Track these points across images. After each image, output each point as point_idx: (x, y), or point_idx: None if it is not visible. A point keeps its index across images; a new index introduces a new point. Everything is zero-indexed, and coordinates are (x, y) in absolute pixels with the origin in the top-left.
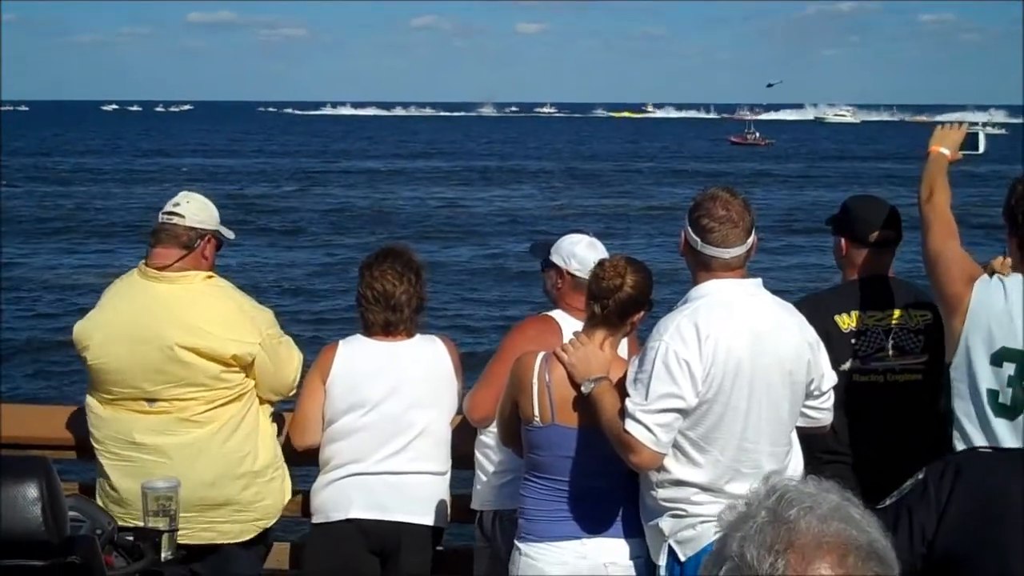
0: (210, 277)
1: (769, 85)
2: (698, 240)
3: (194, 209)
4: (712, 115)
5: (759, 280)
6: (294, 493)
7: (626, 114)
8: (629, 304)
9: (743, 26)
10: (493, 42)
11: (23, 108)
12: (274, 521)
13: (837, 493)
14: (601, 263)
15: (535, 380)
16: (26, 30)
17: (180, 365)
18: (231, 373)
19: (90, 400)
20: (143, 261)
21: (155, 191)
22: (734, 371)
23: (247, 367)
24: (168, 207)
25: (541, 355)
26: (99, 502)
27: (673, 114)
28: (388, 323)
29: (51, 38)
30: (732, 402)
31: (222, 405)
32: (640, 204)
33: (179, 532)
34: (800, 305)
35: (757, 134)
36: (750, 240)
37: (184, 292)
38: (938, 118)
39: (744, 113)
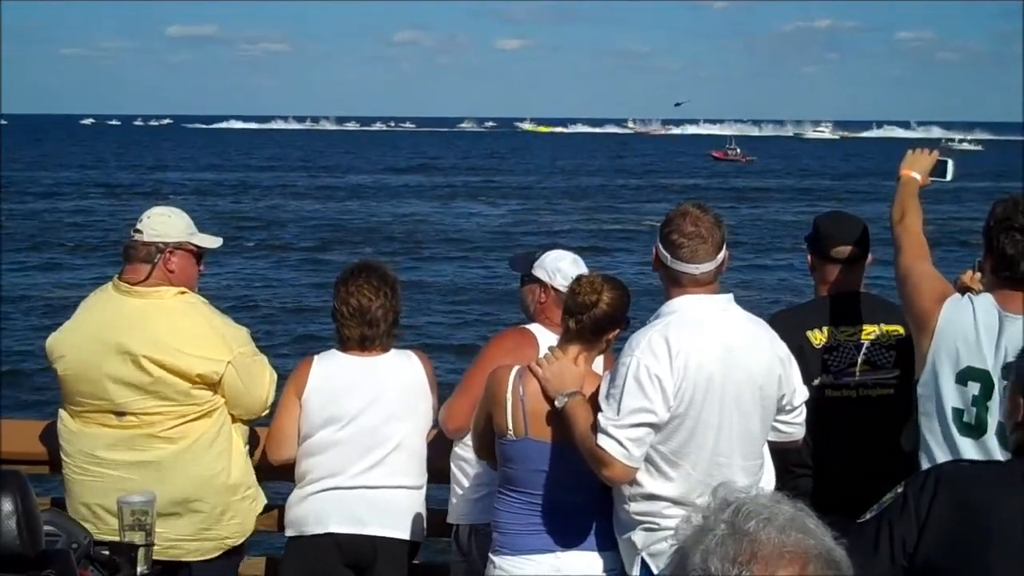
0: (183, 293)
1: (677, 104)
2: (668, 256)
3: (153, 224)
4: (626, 129)
5: (731, 295)
6: (269, 508)
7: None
8: (604, 321)
9: (725, 41)
10: (475, 57)
11: (2, 122)
12: (242, 541)
13: (789, 504)
14: (578, 279)
15: (509, 394)
16: (7, 41)
17: (148, 379)
18: (199, 390)
19: (62, 413)
20: (117, 276)
21: (135, 205)
22: (705, 386)
23: (214, 385)
24: (135, 224)
25: (516, 369)
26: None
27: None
28: (364, 338)
29: (33, 47)
30: (703, 417)
31: (192, 421)
32: (624, 220)
33: None
34: (772, 321)
35: (738, 150)
36: (720, 256)
37: (153, 307)
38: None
39: (656, 127)
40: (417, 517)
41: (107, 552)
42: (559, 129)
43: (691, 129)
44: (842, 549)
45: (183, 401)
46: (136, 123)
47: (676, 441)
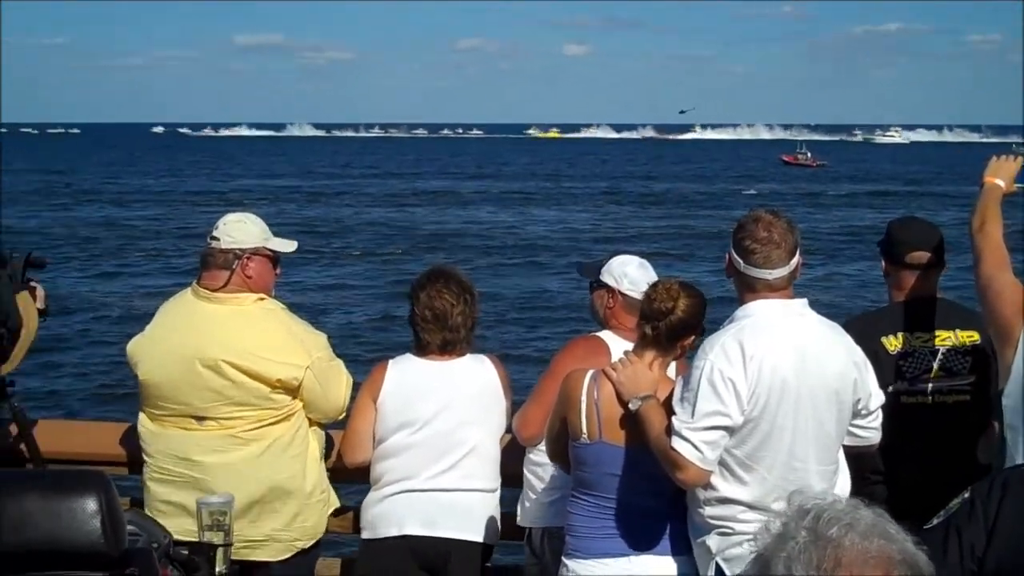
0: (261, 299)
1: (682, 112)
2: (741, 261)
3: (229, 231)
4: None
5: (805, 300)
6: (344, 510)
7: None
8: (680, 327)
9: (791, 46)
10: (538, 64)
11: (75, 131)
12: (312, 543)
13: (869, 510)
14: (655, 285)
15: (584, 397)
16: (76, 53)
17: (229, 384)
18: (279, 394)
19: (141, 416)
20: (196, 282)
21: (210, 212)
22: (779, 390)
23: (293, 390)
24: (212, 231)
25: (590, 372)
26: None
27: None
28: (445, 343)
29: (101, 60)
30: (778, 421)
31: (270, 424)
32: (695, 225)
33: None
34: (847, 327)
35: (808, 154)
36: (794, 261)
37: (233, 313)
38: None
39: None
40: (491, 520)
41: (186, 552)
42: (571, 135)
43: (709, 134)
44: (924, 554)
45: (262, 405)
46: (206, 131)
47: (751, 445)
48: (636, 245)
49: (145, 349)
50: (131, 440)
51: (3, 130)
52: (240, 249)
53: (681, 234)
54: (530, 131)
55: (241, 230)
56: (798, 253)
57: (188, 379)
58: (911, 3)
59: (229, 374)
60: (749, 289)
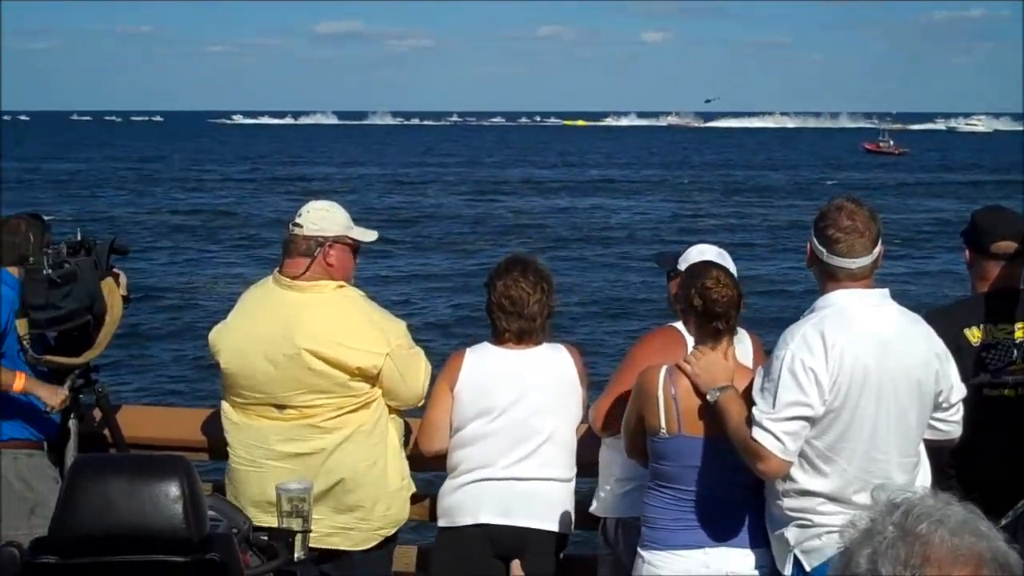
0: (341, 287)
1: (707, 101)
2: (824, 251)
3: (313, 218)
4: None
5: (886, 290)
6: (421, 497)
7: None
8: (735, 307)
9: (870, 31)
10: (618, 50)
11: (157, 119)
12: (395, 530)
13: (960, 506)
14: (704, 283)
15: (661, 392)
16: (161, 41)
17: (309, 372)
18: (358, 382)
19: (223, 404)
20: (277, 269)
21: (292, 200)
22: (861, 380)
23: (373, 378)
24: (294, 219)
25: (665, 367)
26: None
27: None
28: (522, 331)
29: (185, 46)
30: (859, 411)
31: (350, 412)
32: (778, 215)
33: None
34: (929, 318)
35: (891, 142)
36: (876, 250)
37: (313, 301)
38: None
39: (688, 119)
40: (566, 509)
41: (266, 538)
42: (601, 123)
43: (730, 122)
44: (1015, 553)
45: (342, 393)
46: (286, 119)
47: (831, 436)
48: (718, 235)
49: (226, 337)
50: (212, 426)
51: (25, 117)
52: (323, 237)
53: (765, 224)
54: (563, 120)
55: (324, 218)
56: (880, 242)
57: (268, 367)
58: None
59: (309, 362)
60: (831, 278)
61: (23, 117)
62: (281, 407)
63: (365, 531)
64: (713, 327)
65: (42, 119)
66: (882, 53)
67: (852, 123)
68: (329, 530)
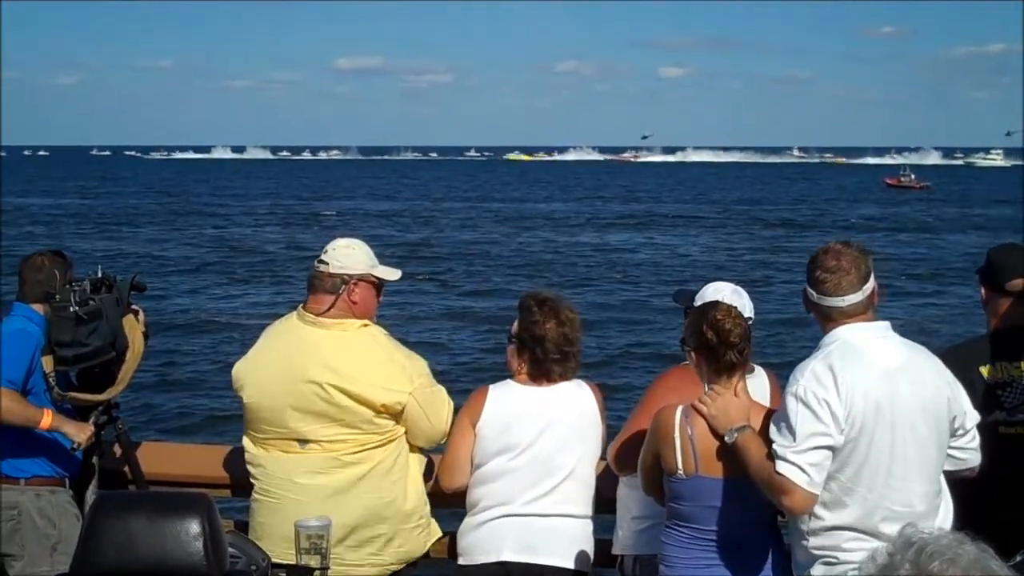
0: (365, 326)
1: (644, 137)
2: (814, 292)
3: (338, 256)
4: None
5: (887, 323)
6: (441, 534)
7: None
8: (743, 342)
9: (889, 66)
10: (636, 85)
11: (177, 154)
12: (404, 566)
13: (973, 545)
14: (715, 315)
15: (677, 434)
16: (183, 76)
17: (334, 408)
18: (383, 419)
19: (245, 439)
20: (302, 305)
21: (315, 235)
22: (874, 412)
23: (397, 415)
24: (320, 255)
25: (680, 408)
26: (252, 538)
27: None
28: (546, 369)
29: (207, 82)
30: (876, 441)
31: (372, 448)
32: (807, 247)
33: None
34: (944, 356)
35: (913, 176)
36: (867, 286)
37: (338, 339)
38: None
39: (629, 154)
40: (586, 546)
41: (284, 574)
42: (544, 157)
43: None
44: None
45: (366, 429)
46: (304, 155)
47: (851, 468)
48: (742, 271)
49: (250, 373)
50: (232, 463)
51: (44, 152)
52: (347, 275)
53: (787, 261)
54: (508, 155)
55: (349, 256)
56: (872, 278)
57: (293, 403)
58: (1016, 25)
59: (335, 398)
60: (827, 319)
61: (42, 152)
62: (304, 441)
63: (376, 567)
64: (727, 360)
65: (62, 154)
66: (901, 88)
67: (875, 159)
68: (348, 565)
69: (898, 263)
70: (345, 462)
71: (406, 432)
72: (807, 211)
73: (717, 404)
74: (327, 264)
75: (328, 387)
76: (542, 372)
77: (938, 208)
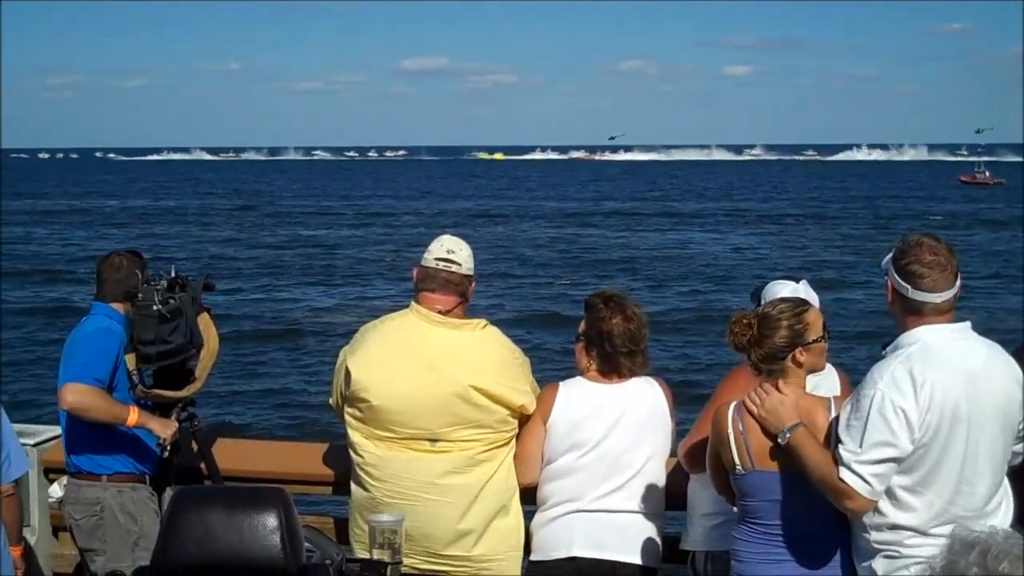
0: (487, 326)
1: (612, 138)
2: (907, 287)
3: (466, 256)
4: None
5: (967, 323)
6: None
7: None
8: (776, 351)
9: (959, 64)
10: (699, 84)
11: (246, 155)
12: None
13: None
14: (734, 323)
15: (730, 430)
16: (250, 79)
17: (473, 408)
18: (513, 417)
19: (360, 440)
20: (417, 304)
21: (396, 233)
22: (951, 416)
23: (526, 416)
24: (439, 253)
25: (734, 404)
26: (352, 536)
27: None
28: (615, 365)
29: (273, 84)
30: (949, 447)
31: (501, 446)
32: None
33: (437, 565)
34: (1016, 353)
35: (987, 173)
36: (958, 283)
37: (470, 339)
38: None
39: (591, 153)
40: (655, 543)
41: (358, 567)
42: (514, 157)
43: (630, 156)
44: None
45: (498, 428)
46: (370, 155)
47: (921, 472)
48: (823, 271)
49: (376, 373)
50: (306, 458)
51: (114, 155)
52: (472, 275)
53: (866, 260)
54: (479, 154)
55: (470, 256)
56: (959, 276)
57: (430, 403)
58: None
59: (475, 399)
60: (915, 314)
61: (112, 155)
62: (435, 440)
63: (511, 559)
64: (770, 364)
65: (132, 156)
66: (970, 84)
67: (951, 156)
68: (487, 561)
69: (976, 259)
70: (478, 460)
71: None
72: (886, 208)
73: (766, 405)
74: (460, 264)
75: (472, 389)
76: (611, 367)
77: (1013, 205)
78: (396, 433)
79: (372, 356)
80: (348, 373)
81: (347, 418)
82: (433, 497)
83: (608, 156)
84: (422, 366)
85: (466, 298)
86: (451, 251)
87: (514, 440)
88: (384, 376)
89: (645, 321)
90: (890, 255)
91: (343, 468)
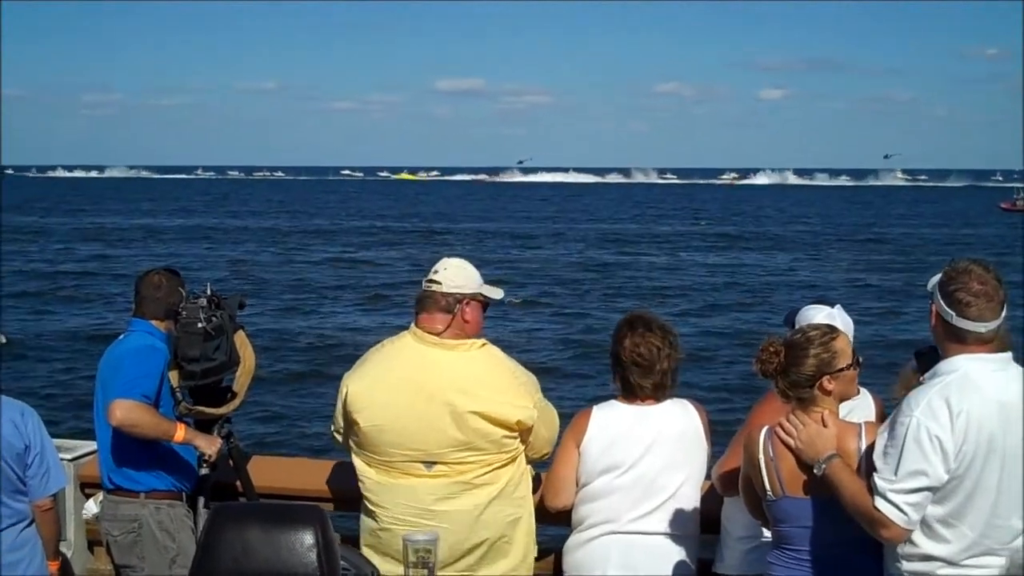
0: (485, 345)
1: (520, 162)
2: (952, 313)
3: (450, 275)
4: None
5: (1009, 354)
6: (546, 552)
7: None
8: (803, 379)
9: (994, 88)
10: (734, 108)
11: (279, 174)
12: None
13: None
14: (765, 348)
15: (761, 455)
16: (286, 97)
17: (468, 430)
18: (509, 438)
19: (358, 463)
20: (414, 326)
21: (420, 254)
22: (986, 447)
23: (526, 432)
24: (429, 274)
25: (765, 429)
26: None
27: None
28: (650, 387)
29: (309, 103)
30: (983, 479)
31: (499, 468)
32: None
33: None
34: None
35: None
36: (1004, 313)
37: (464, 360)
38: None
39: (508, 174)
40: (689, 566)
41: None
42: (423, 176)
43: (541, 177)
44: None
45: (494, 450)
46: (402, 174)
47: (954, 503)
48: (867, 298)
49: (370, 395)
50: (339, 477)
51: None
52: (460, 294)
53: (906, 287)
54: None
55: (461, 275)
56: (1006, 307)
57: (422, 425)
58: None
59: (470, 420)
60: (958, 341)
61: (145, 173)
62: (430, 464)
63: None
64: (799, 392)
65: (171, 174)
66: (1004, 108)
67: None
68: None
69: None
70: (475, 484)
71: (526, 448)
72: (924, 233)
73: (803, 436)
74: (440, 284)
75: (463, 411)
76: (628, 390)
77: None
78: (391, 456)
79: (368, 378)
80: (346, 396)
81: (350, 442)
82: (430, 523)
83: (670, 179)
84: (416, 388)
85: (455, 316)
86: (436, 271)
87: (518, 462)
88: (379, 398)
89: (669, 342)
90: (937, 278)
91: None
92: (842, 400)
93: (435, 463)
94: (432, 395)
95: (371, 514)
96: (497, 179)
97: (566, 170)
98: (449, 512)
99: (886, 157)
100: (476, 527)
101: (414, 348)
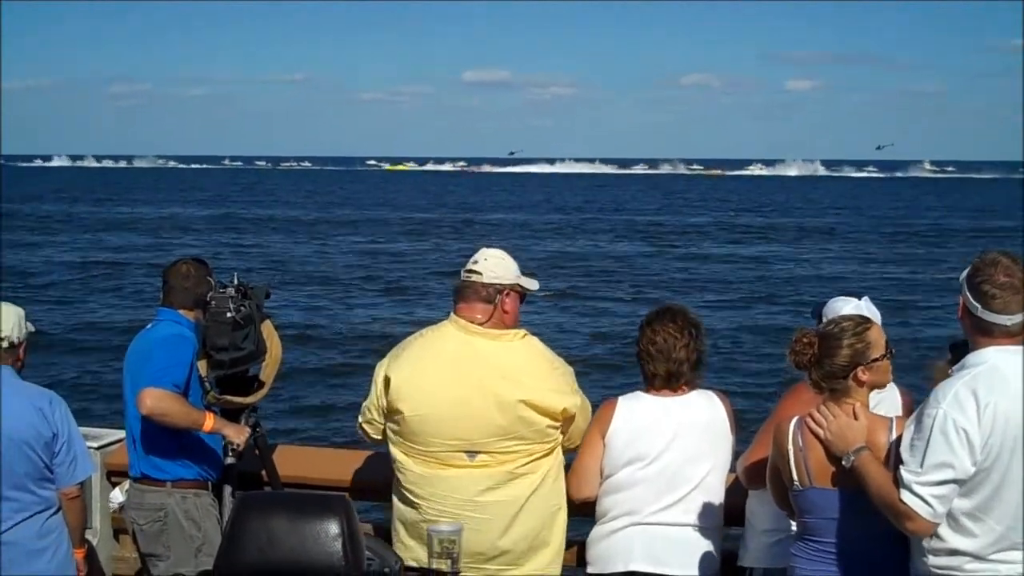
0: (525, 336)
1: (511, 153)
2: (978, 306)
3: (490, 266)
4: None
5: None
6: (569, 544)
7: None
8: (837, 370)
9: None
10: (761, 99)
11: (306, 164)
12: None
13: None
14: (798, 339)
15: (790, 446)
16: (314, 89)
17: (513, 418)
18: (553, 427)
19: (402, 458)
20: (454, 315)
21: (455, 244)
22: (1013, 440)
23: (569, 420)
24: (469, 264)
25: (795, 420)
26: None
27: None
28: (669, 376)
29: (337, 94)
30: (1010, 472)
31: (541, 457)
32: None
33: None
34: None
35: None
36: None
37: (508, 349)
38: None
39: (487, 166)
40: (713, 558)
41: None
42: (402, 167)
43: (534, 168)
44: None
45: (537, 439)
46: (427, 167)
47: (981, 496)
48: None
49: (415, 385)
50: (365, 466)
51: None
52: (500, 284)
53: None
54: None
55: (500, 265)
56: None
57: (469, 413)
58: None
59: (518, 410)
60: (984, 334)
61: (172, 164)
62: (473, 454)
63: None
64: (831, 383)
65: (198, 163)
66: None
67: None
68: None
69: None
70: (517, 474)
71: (566, 438)
72: (963, 224)
73: (833, 428)
74: (481, 274)
75: (510, 399)
76: (648, 380)
77: None
78: (433, 446)
79: (410, 367)
80: (388, 382)
81: (388, 433)
82: (474, 515)
83: (696, 168)
84: (458, 376)
85: (496, 306)
86: (476, 261)
87: (556, 453)
88: (422, 387)
89: (688, 333)
90: (967, 270)
91: None
92: (873, 390)
93: (478, 452)
94: (478, 384)
95: (413, 505)
96: (515, 169)
97: (592, 160)
98: (494, 503)
99: (879, 148)
100: (520, 516)
101: (457, 337)
